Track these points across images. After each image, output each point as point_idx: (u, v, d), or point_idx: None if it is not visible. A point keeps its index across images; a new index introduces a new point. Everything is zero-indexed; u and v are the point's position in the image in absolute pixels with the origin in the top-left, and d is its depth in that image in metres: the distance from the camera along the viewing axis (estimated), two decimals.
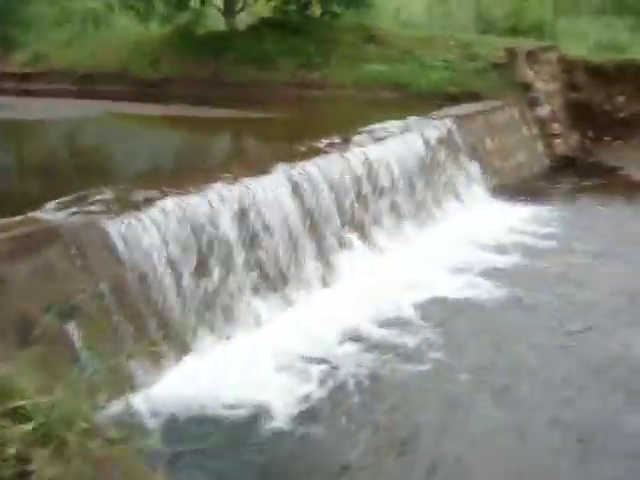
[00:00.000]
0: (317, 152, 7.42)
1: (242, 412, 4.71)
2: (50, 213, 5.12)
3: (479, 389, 5.13)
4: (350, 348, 5.61)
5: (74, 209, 5.19)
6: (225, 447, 4.39)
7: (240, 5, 15.63)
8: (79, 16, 18.11)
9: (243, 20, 15.97)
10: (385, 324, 5.99)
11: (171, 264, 5.37)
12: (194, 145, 9.37)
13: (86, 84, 15.08)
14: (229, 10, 15.57)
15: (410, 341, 5.73)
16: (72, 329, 4.67)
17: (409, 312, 6.20)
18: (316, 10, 15.80)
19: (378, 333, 5.86)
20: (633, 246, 8.17)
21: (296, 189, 6.66)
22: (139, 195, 5.60)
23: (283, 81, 13.78)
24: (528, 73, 12.35)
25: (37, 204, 5.28)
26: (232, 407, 4.75)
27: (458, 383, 5.18)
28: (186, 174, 6.28)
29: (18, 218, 4.96)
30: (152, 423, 4.45)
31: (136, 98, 13.39)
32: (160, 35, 15.53)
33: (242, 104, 12.12)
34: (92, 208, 5.29)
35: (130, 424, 4.42)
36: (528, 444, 4.51)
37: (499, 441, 4.60)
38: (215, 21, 16.07)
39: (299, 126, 10.20)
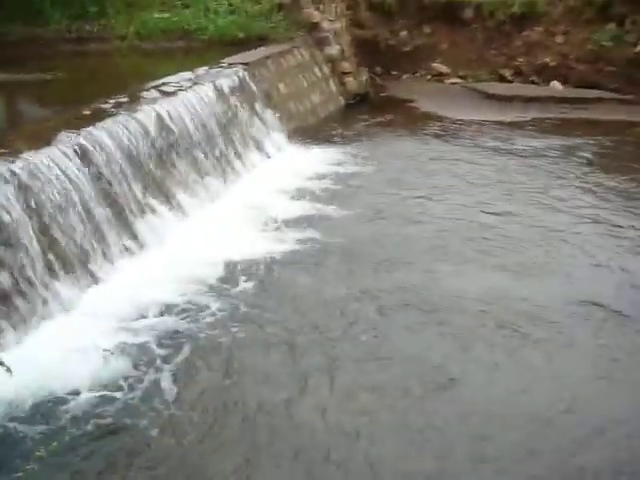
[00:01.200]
0: (104, 115, 6.90)
1: None
2: None
3: None
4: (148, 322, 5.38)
5: None
6: None
7: None
8: None
9: None
10: (191, 294, 5.78)
11: None
12: None
13: None
14: None
15: (212, 305, 5.61)
16: None
17: (212, 278, 6.05)
18: None
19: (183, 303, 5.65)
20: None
21: (85, 158, 6.16)
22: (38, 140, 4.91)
23: (57, 36, 12.73)
24: (314, 13, 12.35)
25: None
26: None
27: None
28: None
29: None
30: None
31: None
32: None
33: (12, 66, 11.04)
34: None
35: None
36: None
37: None
38: None
39: (80, 87, 9.46)
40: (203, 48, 11.86)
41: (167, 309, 5.53)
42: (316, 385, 4.66)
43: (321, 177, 8.56)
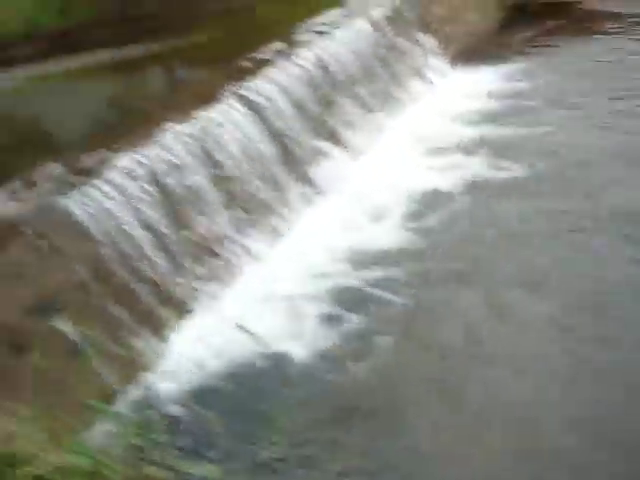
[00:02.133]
0: (265, 65, 6.83)
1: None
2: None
3: None
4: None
5: (26, 193, 4.67)
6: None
7: None
8: None
9: None
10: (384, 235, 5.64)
11: (146, 225, 4.92)
12: (125, 91, 8.58)
13: None
14: None
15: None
16: (61, 323, 4.27)
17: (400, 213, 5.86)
18: None
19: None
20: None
21: (256, 109, 6.14)
22: (90, 160, 5.06)
23: None
24: None
25: None
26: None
27: None
28: (131, 123, 5.71)
29: None
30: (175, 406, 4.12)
31: (49, 54, 12.40)
32: None
33: (162, 34, 11.25)
34: (43, 188, 4.77)
35: (150, 408, 4.15)
36: None
37: None
38: None
39: (233, 41, 9.46)
40: None
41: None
42: None
43: (490, 98, 8.05)
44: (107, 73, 9.79)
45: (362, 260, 5.33)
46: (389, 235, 5.65)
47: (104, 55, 10.38)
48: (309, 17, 8.42)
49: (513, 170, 6.26)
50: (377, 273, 5.16)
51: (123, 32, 12.37)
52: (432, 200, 5.97)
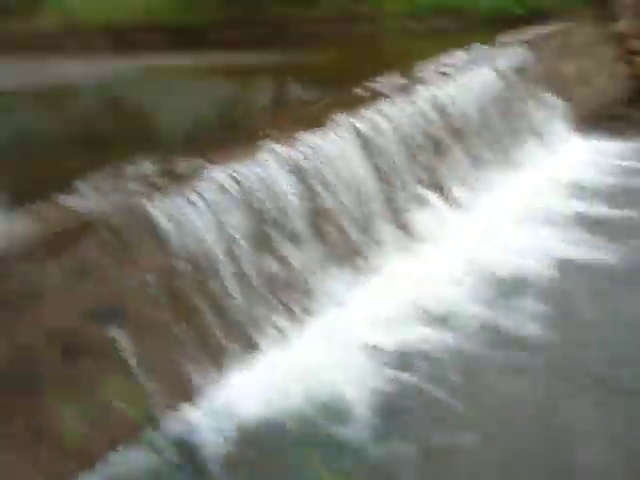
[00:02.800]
0: (379, 96, 6.47)
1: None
2: (82, 197, 4.36)
3: None
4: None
5: (109, 190, 4.42)
6: None
7: None
8: None
9: None
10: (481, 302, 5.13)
11: (228, 246, 4.59)
12: (237, 99, 8.43)
13: (117, 38, 14.24)
14: None
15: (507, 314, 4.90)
16: (119, 334, 3.97)
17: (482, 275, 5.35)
18: None
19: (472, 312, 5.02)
20: None
21: (363, 143, 5.78)
22: (183, 166, 4.78)
23: (327, 16, 12.68)
24: None
25: (65, 184, 4.54)
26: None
27: None
28: (233, 135, 5.44)
29: (44, 206, 4.24)
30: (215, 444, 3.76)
31: (170, 47, 12.51)
32: None
33: (283, 45, 11.15)
34: (130, 187, 4.51)
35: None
36: None
37: None
38: None
39: (353, 66, 9.17)
40: (476, 26, 11.09)
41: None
42: None
43: (614, 174, 7.43)
44: (220, 76, 9.71)
45: (436, 316, 4.89)
46: (460, 297, 5.16)
47: (220, 57, 10.33)
48: (436, 55, 8.06)
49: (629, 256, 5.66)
50: (448, 331, 4.70)
51: (245, 37, 12.38)
52: (526, 277, 5.40)
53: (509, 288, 5.23)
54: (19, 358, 3.64)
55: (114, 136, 6.68)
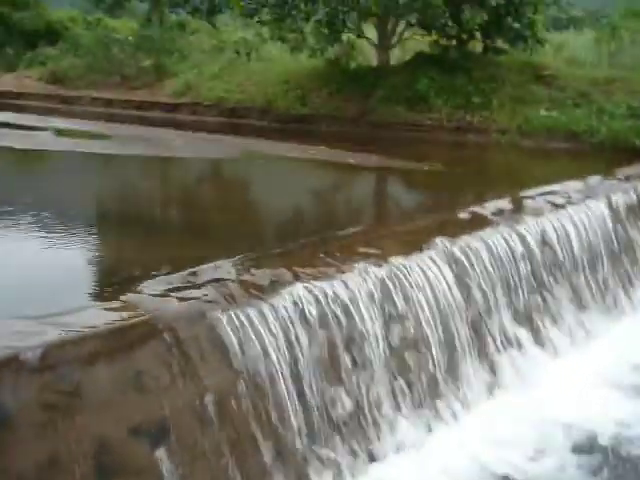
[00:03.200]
0: (482, 221, 6.07)
1: None
2: (146, 295, 4.10)
3: None
4: None
5: (180, 291, 4.15)
6: None
7: (395, 39, 14.59)
8: (232, 47, 17.89)
9: (397, 55, 14.95)
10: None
11: (295, 370, 4.21)
12: (334, 202, 8.06)
13: (231, 117, 14.64)
14: (383, 44, 14.57)
15: None
16: (163, 457, 3.61)
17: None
18: (477, 46, 14.49)
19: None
20: None
21: (458, 270, 5.35)
22: (263, 275, 4.48)
23: (437, 123, 12.55)
24: None
25: (134, 278, 4.32)
26: None
27: None
28: (322, 246, 5.12)
29: (111, 296, 4.01)
30: None
31: (280, 135, 12.65)
32: (309, 68, 14.80)
33: (391, 148, 11.02)
34: (204, 291, 4.23)
35: None
36: None
37: None
38: (368, 55, 15.14)
39: (459, 180, 8.84)
40: (592, 153, 10.63)
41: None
42: None
43: None
44: (323, 170, 9.57)
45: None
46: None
47: (328, 151, 10.24)
48: (548, 180, 7.63)
49: None
50: None
51: (355, 134, 12.37)
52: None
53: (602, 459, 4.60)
54: (48, 466, 3.32)
55: (208, 224, 6.53)
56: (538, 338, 5.79)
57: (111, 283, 4.58)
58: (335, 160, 9.65)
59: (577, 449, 4.67)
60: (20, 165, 9.91)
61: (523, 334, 5.71)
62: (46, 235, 5.90)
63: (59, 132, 12.55)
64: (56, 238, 5.80)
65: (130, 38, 20.03)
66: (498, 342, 5.52)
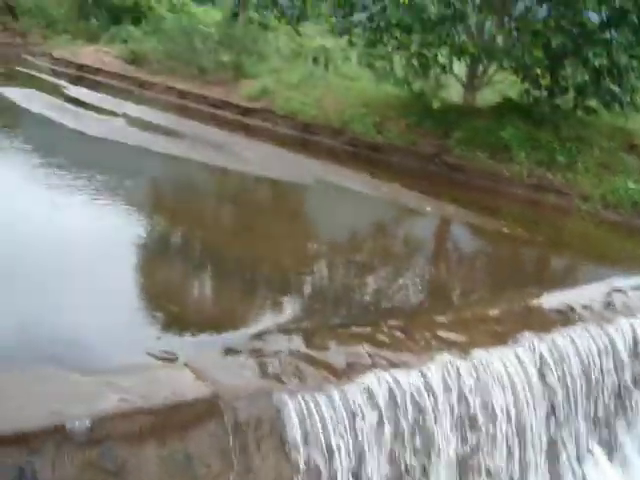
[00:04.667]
0: (572, 318, 5.53)
1: None
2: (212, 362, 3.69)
3: None
4: None
5: (246, 365, 3.73)
6: None
7: (485, 80, 14.04)
8: (311, 53, 17.55)
9: (485, 97, 14.38)
10: None
11: (352, 465, 3.76)
12: (413, 263, 6.90)
13: (304, 132, 14.25)
14: (471, 84, 14.02)
15: None
16: None
17: None
18: (569, 101, 13.81)
19: None
20: None
21: (542, 371, 4.85)
22: (337, 355, 4.04)
23: (517, 177, 11.95)
24: None
25: (203, 339, 3.92)
26: None
27: None
28: (403, 324, 4.65)
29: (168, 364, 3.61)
30: None
31: (352, 162, 12.23)
32: (390, 95, 14.32)
33: (466, 195, 10.49)
34: (273, 364, 3.80)
35: None
36: None
37: None
38: (452, 92, 14.61)
39: (541, 250, 8.24)
40: None
41: None
42: None
43: None
44: (400, 216, 9.07)
45: None
46: None
47: (398, 190, 9.76)
48: None
49: None
50: None
51: (428, 172, 11.82)
52: None
53: None
54: None
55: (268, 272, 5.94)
56: (612, 454, 5.25)
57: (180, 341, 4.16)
58: (411, 206, 9.16)
59: None
60: (89, 154, 9.50)
61: (598, 449, 5.18)
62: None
63: (131, 121, 12.31)
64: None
65: (213, 30, 19.84)
66: (571, 453, 4.99)
